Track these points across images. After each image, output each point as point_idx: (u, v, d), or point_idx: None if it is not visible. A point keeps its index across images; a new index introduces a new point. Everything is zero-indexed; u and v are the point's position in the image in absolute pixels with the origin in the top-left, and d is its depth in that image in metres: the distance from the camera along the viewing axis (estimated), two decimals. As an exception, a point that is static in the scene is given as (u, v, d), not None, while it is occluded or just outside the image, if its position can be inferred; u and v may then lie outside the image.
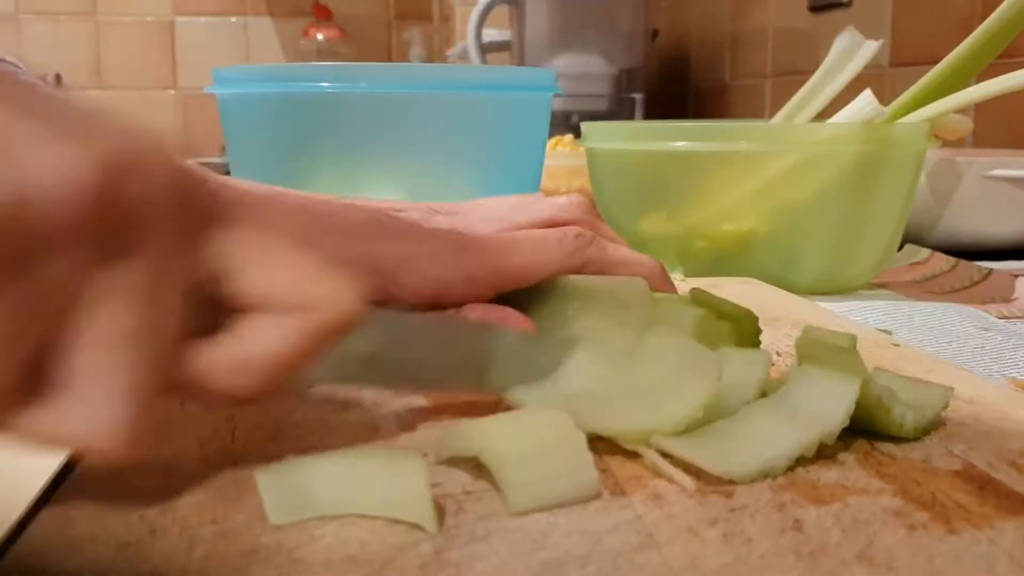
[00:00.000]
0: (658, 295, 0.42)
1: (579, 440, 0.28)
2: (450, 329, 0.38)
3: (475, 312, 0.41)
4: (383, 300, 0.41)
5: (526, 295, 0.42)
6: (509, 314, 0.41)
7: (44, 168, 0.22)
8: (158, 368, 0.25)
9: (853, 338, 0.34)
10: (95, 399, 0.24)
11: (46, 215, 0.22)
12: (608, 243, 0.44)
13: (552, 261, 0.43)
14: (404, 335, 0.36)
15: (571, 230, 0.43)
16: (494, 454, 0.27)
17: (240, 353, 0.27)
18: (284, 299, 0.27)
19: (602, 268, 0.43)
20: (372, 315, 0.32)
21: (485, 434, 0.28)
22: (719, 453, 0.29)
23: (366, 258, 0.41)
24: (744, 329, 0.40)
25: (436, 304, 0.41)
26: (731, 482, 0.28)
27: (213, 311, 0.27)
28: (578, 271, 0.43)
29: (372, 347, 0.34)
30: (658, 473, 0.29)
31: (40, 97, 0.24)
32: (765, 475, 0.29)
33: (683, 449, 0.29)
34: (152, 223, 0.25)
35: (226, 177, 0.40)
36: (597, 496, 0.28)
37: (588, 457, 0.28)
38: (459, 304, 0.42)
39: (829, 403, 0.31)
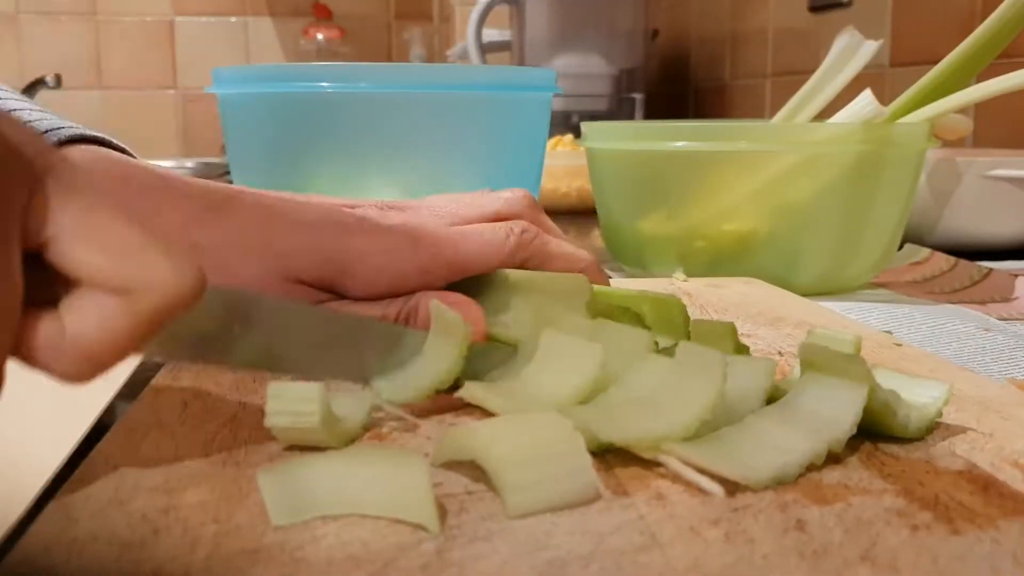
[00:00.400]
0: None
1: (577, 442, 0.28)
2: (316, 316, 0.38)
3: (428, 298, 0.42)
4: (340, 292, 0.43)
5: (473, 287, 0.45)
6: (461, 299, 0.43)
7: None
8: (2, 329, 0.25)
9: (857, 342, 0.34)
10: None
11: None
12: (550, 238, 0.47)
13: (500, 254, 0.45)
14: (244, 314, 0.34)
15: (517, 224, 0.46)
16: (491, 457, 0.27)
17: (65, 338, 0.26)
18: (108, 278, 0.26)
19: (543, 261, 0.46)
20: (218, 294, 0.32)
21: (482, 437, 0.28)
22: (733, 459, 0.29)
23: (324, 252, 0.43)
24: (673, 318, 0.43)
25: (391, 295, 0.43)
26: (744, 487, 0.28)
27: (45, 276, 0.26)
28: (522, 264, 0.46)
29: (222, 326, 0.33)
30: (682, 479, 0.29)
31: None
32: (778, 482, 0.28)
33: (697, 456, 0.28)
34: None
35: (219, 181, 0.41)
36: (596, 498, 0.27)
37: (587, 459, 0.27)
38: (411, 294, 0.44)
39: (837, 410, 0.31)
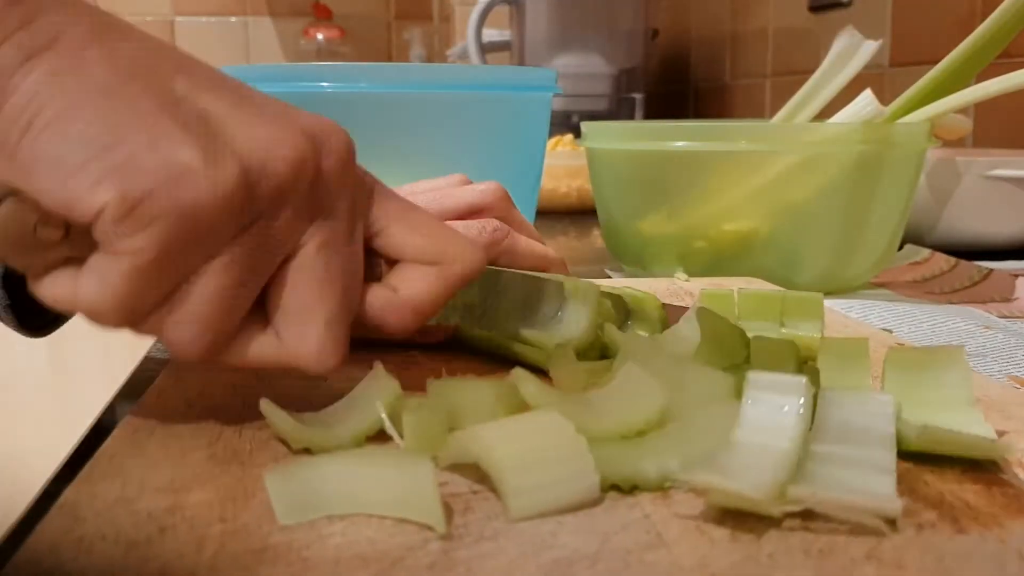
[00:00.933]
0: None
1: (580, 444, 0.28)
2: (531, 284, 0.44)
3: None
4: None
5: None
6: None
7: (265, 145, 0.30)
8: (351, 304, 0.33)
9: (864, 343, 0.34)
10: (305, 328, 0.31)
11: (277, 182, 0.30)
12: (520, 237, 0.49)
13: None
14: (496, 289, 0.44)
15: (489, 223, 0.49)
16: (493, 460, 0.27)
17: (399, 299, 0.35)
18: (427, 254, 0.35)
19: (513, 259, 0.49)
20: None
21: (484, 440, 0.28)
22: (867, 495, 0.26)
23: None
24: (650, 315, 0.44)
25: None
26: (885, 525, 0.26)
27: (372, 260, 0.35)
28: (494, 261, 0.48)
29: (471, 298, 0.43)
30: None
31: (245, 88, 0.32)
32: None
33: (832, 495, 0.26)
34: (340, 188, 0.32)
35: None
36: (599, 501, 0.27)
37: (589, 462, 0.27)
38: None
39: (878, 418, 0.30)
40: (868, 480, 0.27)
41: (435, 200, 0.52)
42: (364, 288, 0.35)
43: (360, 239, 0.34)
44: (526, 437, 0.28)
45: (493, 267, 0.45)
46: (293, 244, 0.31)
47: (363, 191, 0.35)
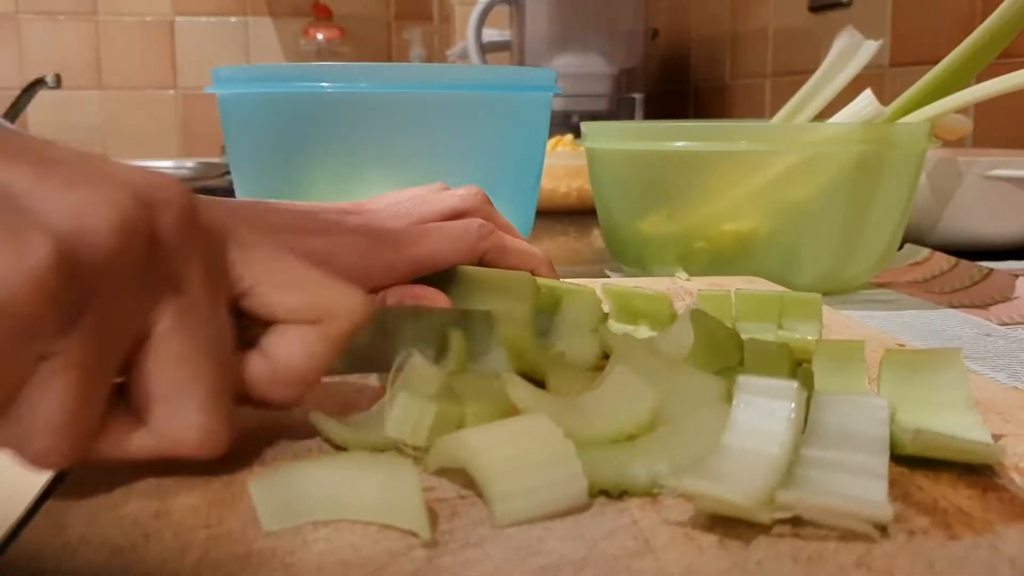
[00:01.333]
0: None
1: (567, 448, 0.27)
2: (420, 317, 0.42)
3: (396, 294, 0.46)
4: None
5: (434, 283, 0.47)
6: (428, 292, 0.46)
7: (80, 211, 0.25)
8: (225, 377, 0.29)
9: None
10: (180, 415, 0.28)
11: (102, 256, 0.25)
12: (505, 236, 0.49)
13: (459, 250, 0.48)
14: (384, 325, 0.40)
15: (474, 222, 0.48)
16: (479, 466, 0.27)
17: (280, 370, 0.31)
18: (303, 313, 0.31)
19: (499, 257, 0.48)
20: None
21: (470, 445, 0.27)
22: (858, 501, 0.26)
23: (296, 253, 0.45)
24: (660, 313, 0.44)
25: None
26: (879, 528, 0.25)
27: (241, 323, 0.31)
28: (480, 260, 0.48)
29: (359, 339, 0.37)
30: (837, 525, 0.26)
31: (53, 149, 0.27)
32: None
33: (821, 501, 0.25)
34: (185, 250, 0.28)
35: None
36: (588, 506, 0.27)
37: (577, 465, 0.27)
38: (378, 290, 0.47)
39: (870, 424, 0.29)
40: (859, 485, 0.27)
41: (415, 206, 0.52)
42: (239, 358, 0.31)
43: (223, 303, 0.30)
44: (512, 441, 0.27)
45: (382, 308, 0.42)
46: (143, 323, 0.27)
47: (216, 248, 0.30)
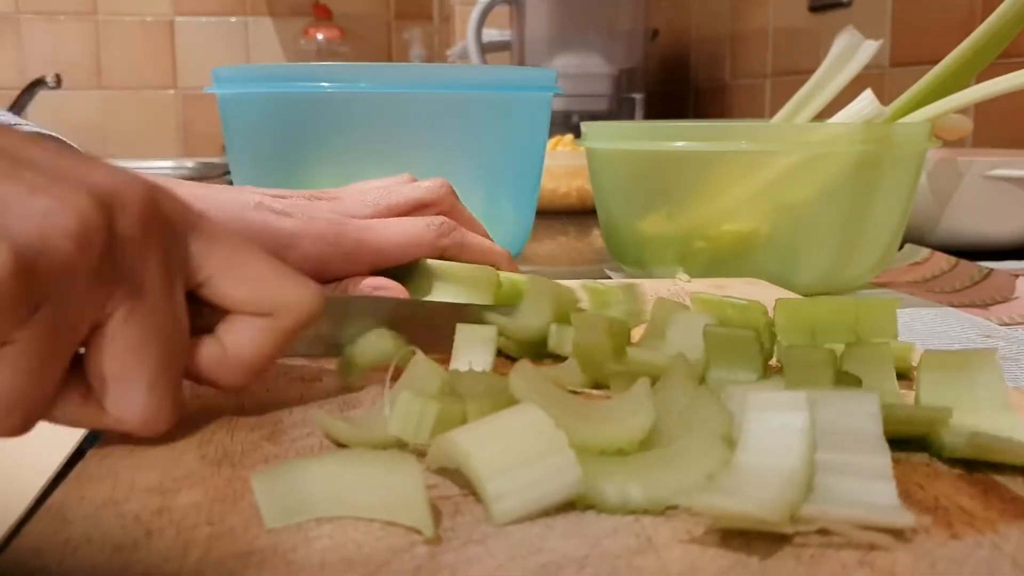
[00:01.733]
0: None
1: (559, 440, 0.27)
2: (379, 306, 0.44)
3: (356, 283, 0.47)
4: None
5: (396, 276, 0.48)
6: (388, 283, 0.47)
7: (42, 220, 0.26)
8: (176, 362, 0.32)
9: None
10: (127, 395, 0.30)
11: (61, 259, 0.26)
12: (467, 232, 0.49)
13: (421, 244, 0.49)
14: (342, 312, 0.42)
15: (436, 219, 0.50)
16: (471, 467, 0.26)
17: (229, 356, 0.33)
18: (256, 306, 0.33)
19: (461, 252, 0.49)
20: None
21: (462, 445, 0.27)
22: (867, 506, 0.26)
23: (258, 237, 0.46)
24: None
25: (317, 279, 0.45)
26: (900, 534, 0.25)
27: (199, 309, 0.33)
28: (442, 254, 0.49)
29: (321, 328, 0.40)
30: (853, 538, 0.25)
31: (26, 148, 0.28)
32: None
33: (843, 512, 0.25)
34: (144, 245, 0.30)
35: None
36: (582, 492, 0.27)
37: (570, 455, 0.27)
38: (339, 279, 0.48)
39: (863, 420, 0.28)
40: (870, 489, 0.26)
41: (381, 197, 0.53)
42: (194, 342, 0.33)
43: (180, 292, 0.32)
44: (504, 438, 0.27)
45: (342, 296, 0.43)
46: (98, 311, 0.29)
47: (176, 240, 0.32)
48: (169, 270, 0.31)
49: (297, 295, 0.33)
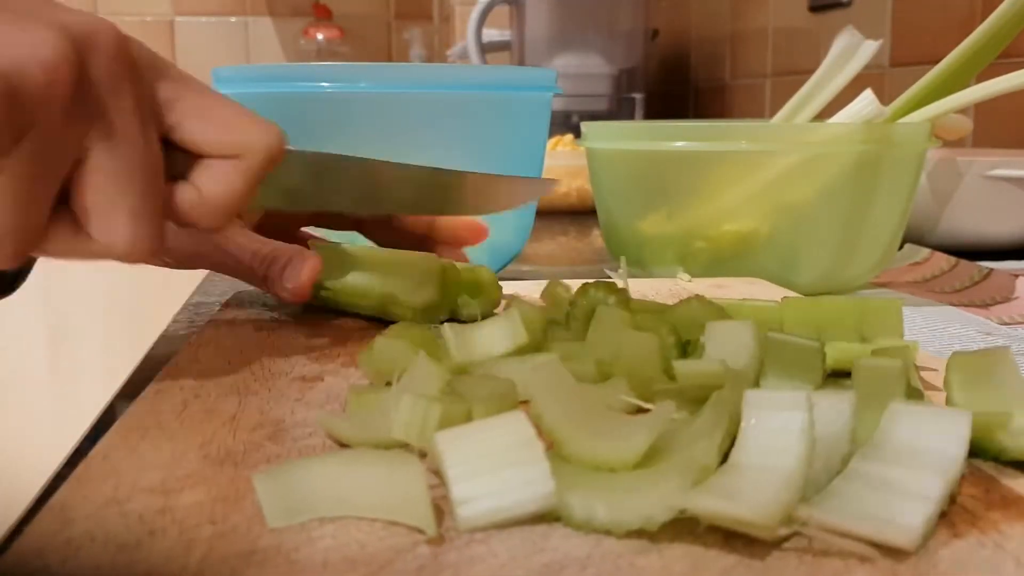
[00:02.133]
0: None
1: (535, 450, 0.26)
2: (349, 166, 0.46)
3: (270, 247, 0.48)
4: None
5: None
6: (300, 252, 0.48)
7: (18, 51, 0.29)
8: (155, 198, 0.34)
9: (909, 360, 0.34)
10: (112, 222, 0.33)
11: (36, 88, 0.29)
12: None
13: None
14: (315, 169, 0.44)
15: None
16: (444, 468, 0.26)
17: (203, 200, 0.36)
18: (225, 148, 0.36)
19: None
20: (298, 155, 0.43)
21: (439, 446, 0.26)
22: (878, 519, 0.25)
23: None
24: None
25: None
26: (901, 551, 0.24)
27: (170, 156, 0.36)
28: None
29: (292, 181, 0.43)
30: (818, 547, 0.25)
31: None
32: (927, 537, 0.25)
33: (840, 518, 0.25)
34: (115, 86, 0.32)
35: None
36: (554, 507, 0.26)
37: (544, 467, 0.26)
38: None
39: (944, 441, 0.28)
40: (897, 506, 0.25)
41: None
42: (170, 188, 0.36)
43: (154, 135, 0.34)
44: (480, 443, 0.26)
45: (309, 151, 0.45)
46: (78, 147, 0.32)
47: (146, 84, 0.34)
48: (141, 109, 0.33)
49: (260, 135, 0.36)
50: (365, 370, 0.40)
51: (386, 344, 0.39)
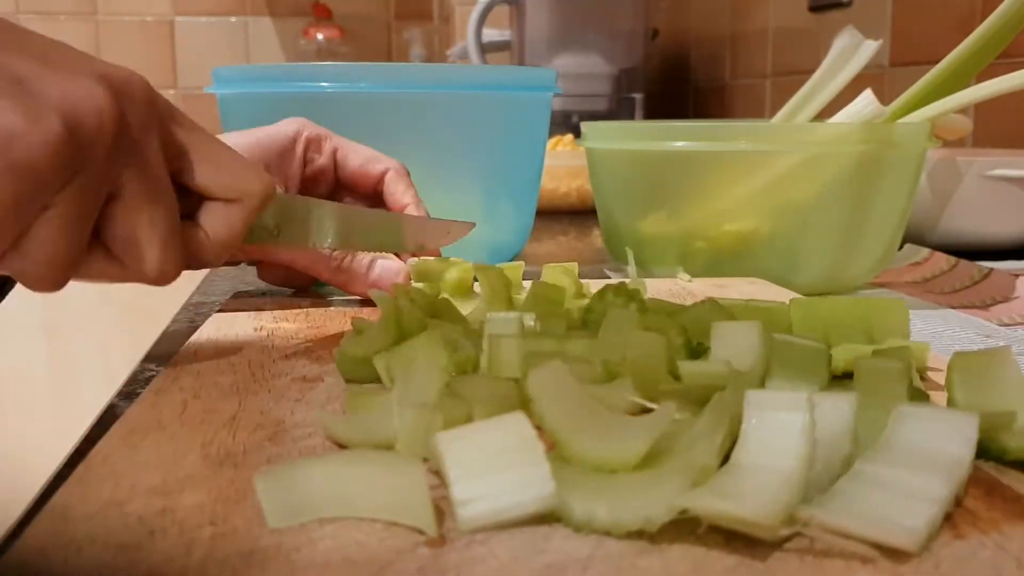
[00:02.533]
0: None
1: (536, 451, 0.26)
2: (320, 206, 0.49)
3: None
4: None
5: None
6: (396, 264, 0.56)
7: (77, 99, 0.33)
8: (177, 225, 0.38)
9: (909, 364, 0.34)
10: (146, 253, 0.37)
11: (90, 132, 0.33)
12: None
13: None
14: (300, 212, 0.48)
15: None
16: (444, 468, 0.26)
17: (210, 240, 0.40)
18: (228, 191, 0.40)
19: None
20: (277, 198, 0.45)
21: (440, 447, 0.26)
22: (880, 519, 0.25)
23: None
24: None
25: None
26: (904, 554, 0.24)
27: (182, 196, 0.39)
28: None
29: (275, 220, 0.47)
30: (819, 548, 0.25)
31: (42, 41, 0.35)
32: (931, 538, 0.25)
33: (843, 519, 0.25)
34: (146, 130, 0.36)
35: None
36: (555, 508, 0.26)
37: (544, 469, 0.26)
38: None
39: (952, 443, 0.28)
40: (901, 507, 0.25)
41: None
42: (183, 226, 0.39)
43: (162, 171, 0.37)
44: (481, 444, 0.26)
45: (287, 195, 0.49)
46: (114, 183, 0.35)
47: (165, 129, 0.38)
48: (163, 150, 0.37)
49: (258, 182, 0.40)
50: (342, 370, 0.40)
51: (355, 344, 0.40)
